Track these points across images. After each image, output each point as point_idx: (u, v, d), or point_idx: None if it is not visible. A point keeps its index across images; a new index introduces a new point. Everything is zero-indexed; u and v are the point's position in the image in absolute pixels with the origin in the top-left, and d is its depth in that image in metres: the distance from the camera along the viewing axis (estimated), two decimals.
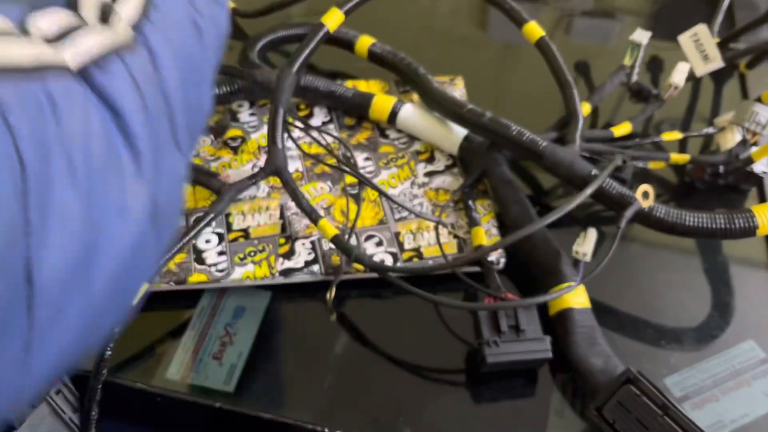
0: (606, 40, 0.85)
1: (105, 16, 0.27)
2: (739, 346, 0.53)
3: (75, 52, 0.24)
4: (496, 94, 0.77)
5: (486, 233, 0.57)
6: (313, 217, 0.52)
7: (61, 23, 0.25)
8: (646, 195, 0.50)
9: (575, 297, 0.50)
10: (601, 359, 0.47)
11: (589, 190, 0.49)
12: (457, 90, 0.70)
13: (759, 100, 0.65)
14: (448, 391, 0.49)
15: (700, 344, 0.53)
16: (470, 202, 0.58)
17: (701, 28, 0.64)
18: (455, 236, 0.56)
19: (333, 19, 0.56)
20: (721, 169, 0.61)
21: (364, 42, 0.69)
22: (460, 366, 0.51)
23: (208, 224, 0.51)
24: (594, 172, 0.52)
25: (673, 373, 0.51)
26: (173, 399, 0.49)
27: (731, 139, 0.61)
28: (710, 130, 0.63)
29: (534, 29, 0.62)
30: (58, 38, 0.24)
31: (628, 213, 0.49)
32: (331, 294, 0.52)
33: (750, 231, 0.49)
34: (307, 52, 0.56)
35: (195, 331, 0.52)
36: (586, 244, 0.48)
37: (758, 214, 0.49)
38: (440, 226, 0.57)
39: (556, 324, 0.50)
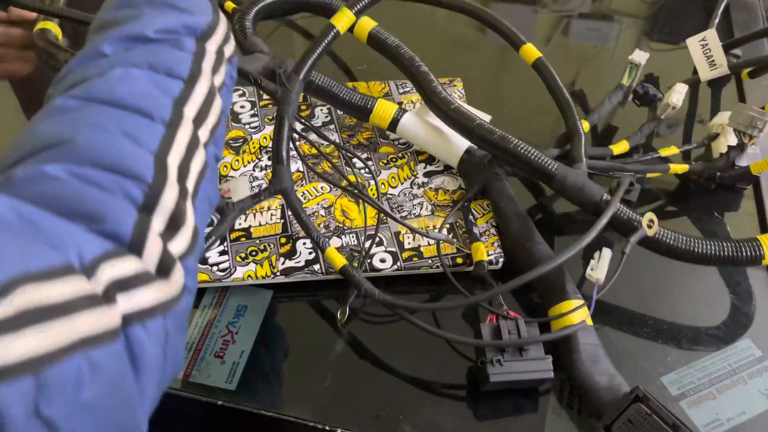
0: (604, 42, 0.86)
1: (164, 268, 0.28)
2: (735, 345, 0.53)
3: (127, 305, 0.26)
4: (495, 96, 0.78)
5: (485, 233, 0.57)
6: (321, 246, 0.52)
7: (125, 272, 0.26)
8: (651, 223, 0.49)
9: (578, 315, 0.49)
10: (606, 377, 0.47)
11: (604, 220, 0.49)
12: (456, 91, 0.71)
13: (763, 108, 0.65)
14: (447, 390, 0.50)
15: (696, 343, 0.53)
16: (471, 217, 0.58)
17: (710, 34, 0.64)
18: (459, 249, 0.56)
19: (344, 21, 0.53)
20: (718, 174, 0.62)
21: (365, 25, 0.62)
22: (459, 365, 0.51)
23: (213, 245, 0.50)
24: (605, 196, 0.52)
25: (670, 371, 0.51)
26: (175, 397, 0.49)
27: (724, 142, 0.62)
28: (706, 141, 0.64)
29: (530, 51, 0.63)
30: (118, 288, 0.26)
31: (633, 239, 0.49)
32: (343, 316, 0.52)
33: (756, 260, 0.49)
34: (315, 56, 0.53)
35: (197, 330, 0.53)
36: (600, 268, 0.48)
37: (765, 243, 0.49)
38: (447, 229, 0.57)
39: (559, 341, 0.50)
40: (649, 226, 0.49)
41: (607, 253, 0.48)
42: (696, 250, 0.50)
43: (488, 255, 0.55)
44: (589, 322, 0.50)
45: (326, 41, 0.53)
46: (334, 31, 0.53)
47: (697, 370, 0.51)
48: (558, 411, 0.49)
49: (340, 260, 0.51)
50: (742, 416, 0.49)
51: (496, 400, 0.49)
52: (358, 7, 0.54)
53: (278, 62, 0.56)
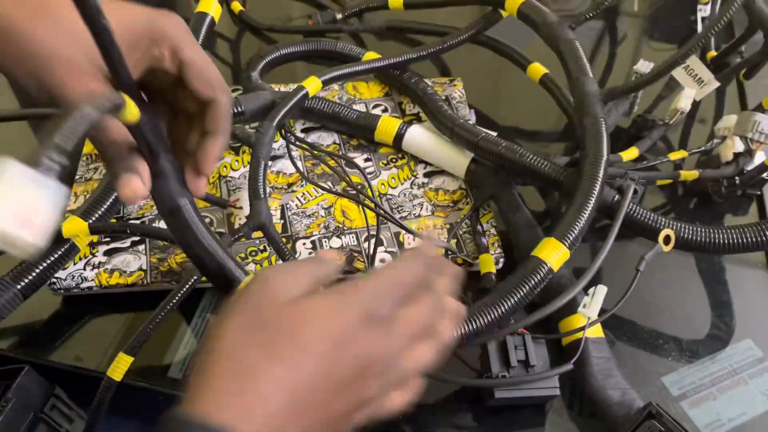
0: (604, 42, 0.86)
1: None
2: (736, 345, 0.53)
3: None
4: (495, 96, 0.78)
5: (486, 233, 0.57)
6: None
7: None
8: (667, 239, 0.49)
9: (590, 330, 0.49)
10: (618, 392, 0.47)
11: (617, 224, 0.49)
12: (456, 91, 0.71)
13: (760, 106, 0.65)
14: (448, 389, 0.50)
15: (697, 343, 0.53)
16: (479, 227, 0.58)
17: (690, 60, 0.65)
18: (465, 262, 0.56)
19: (312, 85, 0.61)
20: (737, 180, 0.61)
21: (370, 57, 0.69)
22: (460, 364, 0.51)
23: (183, 298, 0.49)
24: (616, 197, 0.51)
25: (671, 372, 0.51)
26: (176, 397, 0.49)
27: (731, 147, 0.61)
28: (716, 141, 0.63)
29: (537, 69, 0.65)
30: None
31: (648, 256, 0.48)
32: None
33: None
34: (285, 110, 0.59)
35: (196, 330, 0.53)
36: (593, 306, 0.46)
37: None
38: (456, 234, 0.57)
39: (571, 354, 0.49)
40: (666, 243, 0.49)
41: (601, 290, 0.47)
42: (717, 240, 0.49)
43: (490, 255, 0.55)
44: (600, 333, 0.50)
45: (296, 99, 0.60)
46: (304, 92, 0.61)
47: (698, 371, 0.51)
48: (559, 411, 0.49)
49: None
50: (743, 417, 0.49)
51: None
52: (325, 78, 0.62)
53: (277, 95, 0.62)
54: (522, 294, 0.46)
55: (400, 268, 0.31)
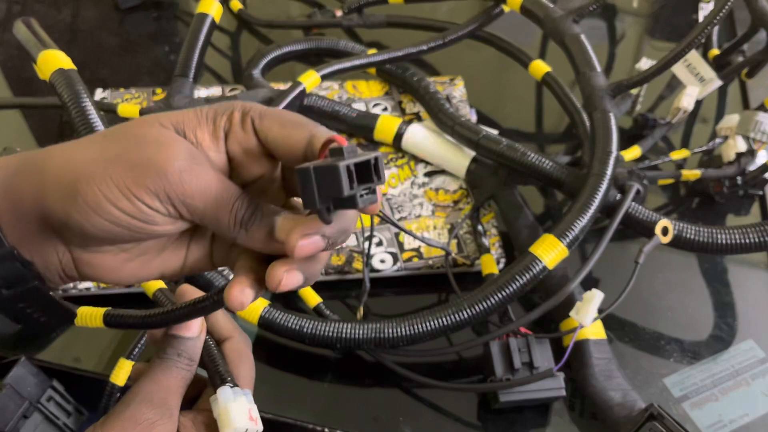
0: (605, 41, 0.85)
1: None
2: (738, 346, 0.53)
3: None
4: (496, 94, 0.77)
5: (487, 233, 0.57)
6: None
7: None
8: (665, 231, 0.49)
9: (591, 328, 0.49)
10: (619, 393, 0.46)
11: (615, 222, 0.49)
12: (457, 90, 0.70)
13: (762, 106, 0.65)
14: (448, 390, 0.49)
15: (699, 344, 0.53)
16: (480, 227, 0.57)
17: (690, 54, 0.64)
18: (463, 263, 0.55)
19: (310, 80, 0.60)
20: (740, 180, 0.61)
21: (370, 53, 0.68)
22: (460, 364, 0.51)
23: None
24: (617, 196, 0.51)
25: (673, 373, 0.51)
26: None
27: (733, 146, 0.61)
28: (717, 140, 0.63)
29: (539, 67, 0.65)
30: None
31: (647, 248, 0.48)
32: (359, 312, 0.52)
33: None
34: (282, 106, 0.59)
35: None
36: (584, 311, 0.45)
37: None
38: (456, 236, 0.57)
39: (571, 356, 0.49)
40: (664, 234, 0.49)
41: (595, 296, 0.45)
42: (719, 240, 0.49)
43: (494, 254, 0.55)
44: (602, 334, 0.49)
45: (293, 95, 0.60)
46: (301, 87, 0.60)
47: (700, 372, 0.51)
48: (560, 412, 0.49)
49: (314, 299, 0.52)
50: (745, 418, 0.48)
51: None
52: (323, 72, 0.61)
53: (275, 93, 0.62)
54: (510, 291, 0.46)
55: None
